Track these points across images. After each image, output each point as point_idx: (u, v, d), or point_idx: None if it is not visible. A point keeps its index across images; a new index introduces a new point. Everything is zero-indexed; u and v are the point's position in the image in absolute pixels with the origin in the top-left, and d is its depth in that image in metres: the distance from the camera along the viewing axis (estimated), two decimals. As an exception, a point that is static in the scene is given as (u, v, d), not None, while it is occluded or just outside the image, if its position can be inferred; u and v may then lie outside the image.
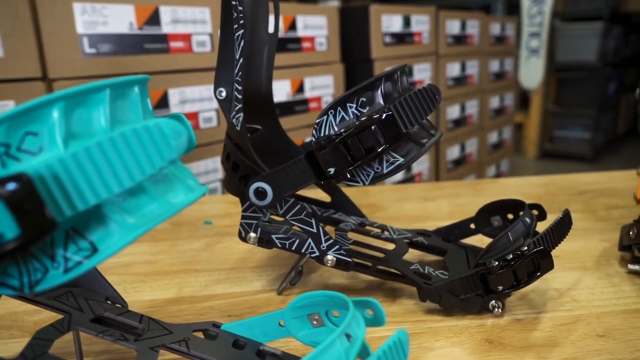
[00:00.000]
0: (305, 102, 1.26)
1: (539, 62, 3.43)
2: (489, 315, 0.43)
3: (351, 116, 0.41)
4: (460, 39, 1.83)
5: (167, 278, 0.51)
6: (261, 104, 0.52)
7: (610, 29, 3.37)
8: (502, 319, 0.43)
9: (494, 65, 2.12)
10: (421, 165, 1.70)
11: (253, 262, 0.55)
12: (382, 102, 0.42)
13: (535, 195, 0.77)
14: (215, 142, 1.06)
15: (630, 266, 0.50)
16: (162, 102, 0.96)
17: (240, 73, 0.44)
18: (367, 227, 0.54)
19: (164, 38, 0.94)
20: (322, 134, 0.41)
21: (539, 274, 0.41)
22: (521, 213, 0.49)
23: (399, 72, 0.44)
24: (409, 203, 0.75)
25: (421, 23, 1.60)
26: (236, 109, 0.44)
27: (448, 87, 1.79)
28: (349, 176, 0.41)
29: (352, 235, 0.53)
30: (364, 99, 0.42)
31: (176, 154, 0.24)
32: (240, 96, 0.44)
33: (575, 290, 0.47)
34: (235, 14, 0.42)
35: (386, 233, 0.52)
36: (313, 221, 0.44)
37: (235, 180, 0.45)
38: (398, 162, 0.42)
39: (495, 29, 2.09)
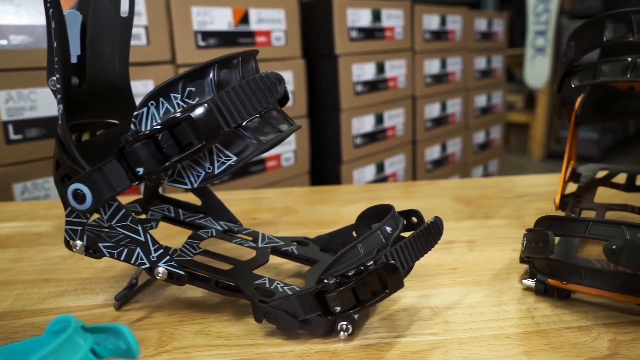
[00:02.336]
0: (260, 99, 1.21)
1: (545, 60, 3.34)
2: (337, 339, 0.37)
3: (176, 108, 0.36)
4: (439, 35, 1.76)
5: (9, 288, 0.46)
6: (117, 96, 0.47)
7: (618, 27, 3.26)
8: (351, 343, 0.37)
9: (480, 63, 2.04)
10: (395, 165, 1.64)
11: (115, 272, 0.49)
12: (214, 92, 0.36)
13: (467, 199, 0.70)
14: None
15: (524, 281, 0.44)
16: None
17: (56, 59, 0.38)
18: (236, 234, 0.48)
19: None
20: (141, 129, 0.36)
21: (386, 292, 0.35)
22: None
23: (240, 58, 0.39)
24: (326, 206, 0.69)
25: (393, 18, 1.54)
26: (57, 99, 0.39)
27: (426, 84, 1.72)
28: (163, 176, 0.36)
29: (210, 243, 0.48)
30: (192, 89, 0.36)
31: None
32: (59, 86, 0.39)
33: (453, 310, 0.41)
34: (43, -10, 0.37)
35: (250, 241, 0.47)
36: (140, 228, 0.39)
37: (58, 181, 0.40)
38: (230, 162, 0.36)
39: (481, 24, 2.02)
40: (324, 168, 1.47)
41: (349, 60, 1.40)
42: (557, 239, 0.45)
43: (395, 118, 1.61)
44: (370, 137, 1.52)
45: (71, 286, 0.47)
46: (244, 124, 0.37)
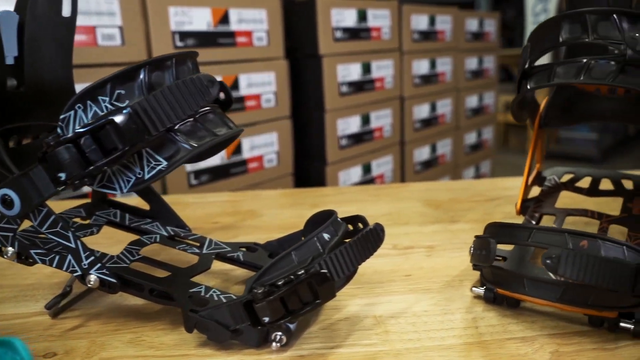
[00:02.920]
0: (241, 100, 1.20)
1: (544, 60, 3.31)
2: (270, 349, 0.36)
3: (104, 111, 0.35)
4: (428, 35, 1.75)
5: (-52, 295, 0.45)
6: (60, 98, 0.46)
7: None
8: (283, 354, 0.36)
9: (471, 63, 2.03)
10: (383, 167, 1.62)
11: (61, 277, 0.48)
12: (144, 95, 0.35)
13: (436, 202, 0.69)
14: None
15: (474, 289, 0.43)
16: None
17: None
18: (182, 240, 0.47)
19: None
20: (67, 133, 0.35)
21: (317, 302, 0.34)
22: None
23: (174, 60, 0.37)
24: (292, 210, 0.68)
25: (380, 18, 1.52)
26: (-13, 102, 0.38)
27: (414, 85, 1.71)
28: (88, 182, 0.35)
29: (152, 249, 0.47)
30: (122, 91, 0.35)
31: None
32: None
33: (397, 319, 0.40)
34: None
35: (195, 247, 0.45)
36: (70, 235, 0.37)
37: (-11, 186, 0.39)
38: (160, 167, 0.35)
39: (472, 25, 2.00)
40: (309, 169, 1.46)
41: (334, 60, 1.39)
42: (512, 247, 0.44)
43: (382, 119, 1.59)
44: (357, 138, 1.50)
45: (13, 292, 0.46)
46: (176, 128, 0.36)
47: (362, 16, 1.46)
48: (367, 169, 1.56)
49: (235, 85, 1.18)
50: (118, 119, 0.33)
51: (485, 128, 2.20)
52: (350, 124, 1.47)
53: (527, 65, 0.47)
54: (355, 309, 0.42)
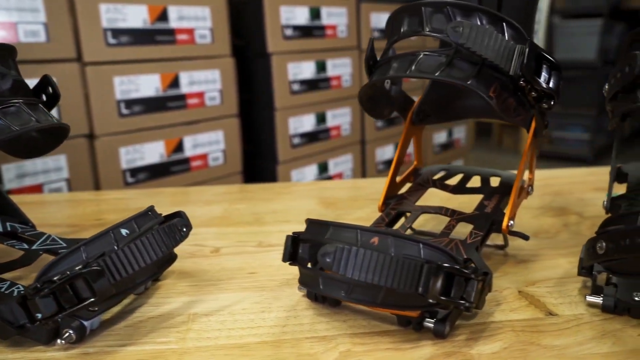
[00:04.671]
0: (182, 97, 1.19)
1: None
2: (60, 347, 0.35)
3: None
4: (391, 34, 1.73)
5: None
6: None
7: (611, 26, 3.20)
8: (69, 352, 0.35)
9: (441, 62, 2.01)
10: (341, 166, 1.62)
11: None
12: None
13: (332, 200, 0.68)
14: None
15: (300, 288, 0.42)
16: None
17: None
18: (18, 235, 0.46)
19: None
20: None
21: (93, 300, 0.33)
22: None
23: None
24: (183, 208, 0.67)
25: (335, 16, 1.51)
26: None
27: (375, 83, 1.69)
28: None
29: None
30: None
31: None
32: None
33: (209, 317, 0.39)
34: None
35: (25, 244, 0.45)
36: None
37: None
38: None
39: (441, 23, 1.99)
40: (262, 168, 1.45)
41: (284, 58, 1.38)
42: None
43: (340, 117, 1.58)
44: (311, 137, 1.49)
45: None
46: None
47: (316, 14, 1.45)
48: (323, 168, 1.55)
49: (176, 83, 1.18)
50: None
51: (457, 127, 2.18)
52: (304, 123, 1.47)
53: (371, 61, 0.46)
54: (175, 307, 0.41)
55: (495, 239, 0.51)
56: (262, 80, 1.38)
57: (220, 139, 1.29)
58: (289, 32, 1.38)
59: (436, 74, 0.41)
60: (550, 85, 0.42)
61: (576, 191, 0.69)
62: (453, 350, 0.35)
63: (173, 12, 1.15)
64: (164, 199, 0.71)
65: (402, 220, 0.51)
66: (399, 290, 0.32)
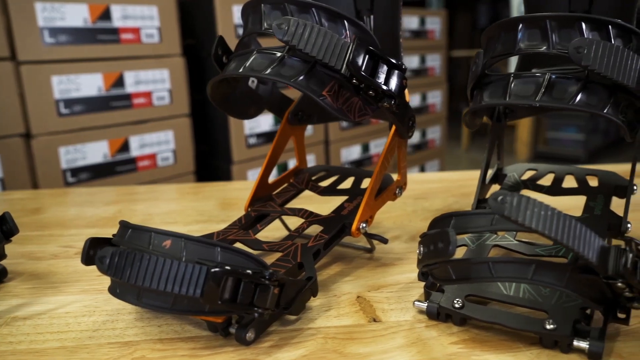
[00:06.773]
0: (127, 97, 1.19)
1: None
2: None
3: None
4: (356, 33, 1.72)
5: None
6: None
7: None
8: None
9: (413, 61, 2.00)
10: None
11: None
12: None
13: (233, 201, 0.67)
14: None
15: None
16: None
17: None
18: None
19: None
20: None
21: None
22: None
23: None
24: (83, 208, 0.67)
25: (294, 15, 1.50)
26: None
27: (339, 83, 1.68)
28: None
29: None
30: None
31: None
32: None
33: (28, 320, 0.38)
34: None
35: None
36: None
37: None
38: None
39: (412, 22, 1.98)
40: (217, 168, 1.44)
41: (238, 58, 1.37)
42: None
43: (300, 117, 1.57)
44: (268, 137, 1.48)
45: None
46: None
47: (272, 13, 1.44)
48: (283, 168, 1.54)
49: (120, 82, 1.17)
50: None
51: (431, 127, 2.17)
52: (261, 123, 1.46)
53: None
54: (8, 307, 0.40)
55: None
56: (216, 80, 1.37)
57: (170, 138, 1.28)
58: (241, 31, 1.37)
59: (265, 72, 0.39)
60: (391, 85, 0.41)
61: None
62: (251, 358, 0.34)
63: (116, 11, 1.15)
64: (68, 199, 0.70)
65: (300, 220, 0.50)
66: (178, 295, 0.31)
